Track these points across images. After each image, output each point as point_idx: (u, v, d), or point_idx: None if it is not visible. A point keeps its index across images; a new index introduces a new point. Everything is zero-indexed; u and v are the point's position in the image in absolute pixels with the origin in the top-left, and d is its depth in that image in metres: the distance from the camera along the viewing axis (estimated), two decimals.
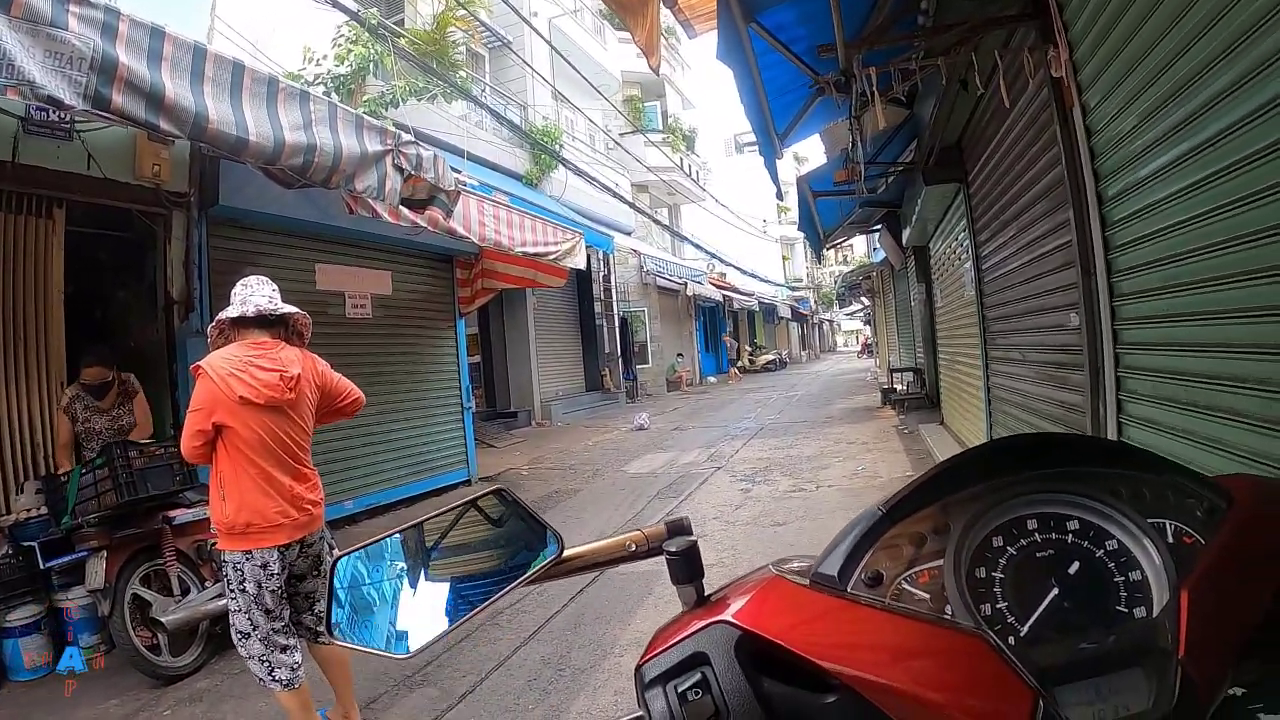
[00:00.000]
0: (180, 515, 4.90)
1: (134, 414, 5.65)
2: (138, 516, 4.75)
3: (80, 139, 5.68)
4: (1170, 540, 0.66)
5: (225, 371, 3.41)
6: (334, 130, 5.04)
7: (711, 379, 30.91)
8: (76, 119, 5.41)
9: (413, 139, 5.89)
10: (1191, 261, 2.99)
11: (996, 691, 0.57)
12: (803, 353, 54.64)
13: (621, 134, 24.59)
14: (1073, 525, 0.68)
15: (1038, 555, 0.66)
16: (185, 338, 6.51)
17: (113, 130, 5.70)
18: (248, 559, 3.46)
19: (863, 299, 34.32)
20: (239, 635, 3.55)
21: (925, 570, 0.66)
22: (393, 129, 5.74)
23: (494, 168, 15.35)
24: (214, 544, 4.92)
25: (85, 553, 4.56)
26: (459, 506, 0.90)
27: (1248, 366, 2.61)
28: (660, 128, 29.64)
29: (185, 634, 4.75)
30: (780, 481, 9.48)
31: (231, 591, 3.52)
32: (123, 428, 5.52)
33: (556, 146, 17.34)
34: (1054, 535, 0.68)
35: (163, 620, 4.59)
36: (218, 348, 3.59)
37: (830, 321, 71.62)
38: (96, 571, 4.47)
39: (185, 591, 4.86)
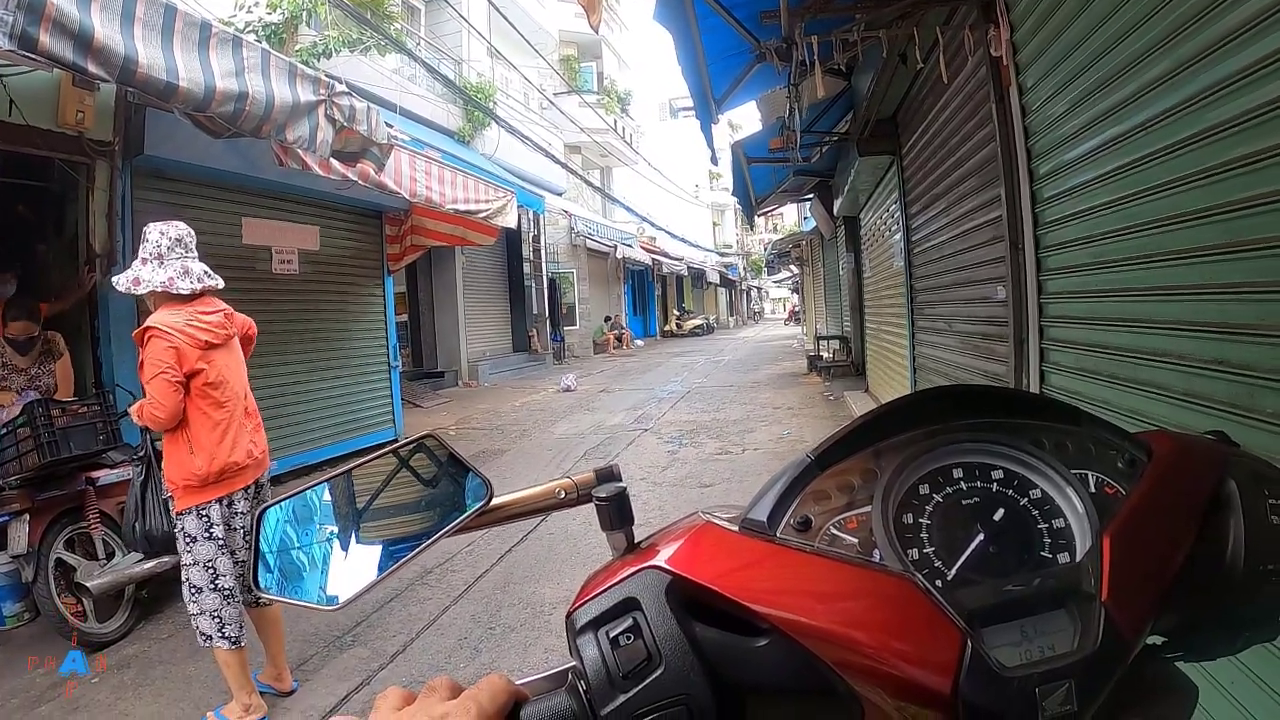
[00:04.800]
0: (104, 476, 4.72)
1: (54, 375, 5.45)
2: (61, 478, 4.57)
3: (2, 84, 5.39)
4: (1093, 490, 0.67)
5: (179, 324, 3.47)
6: (266, 78, 4.88)
7: (639, 342, 30.95)
8: None
9: (346, 90, 5.73)
10: (1116, 240, 3.10)
11: (925, 632, 0.58)
12: (730, 318, 55.06)
13: (556, 94, 24.31)
14: (997, 474, 0.69)
15: (963, 502, 0.67)
16: (108, 292, 6.27)
17: (36, 75, 5.46)
18: (218, 503, 3.54)
19: (791, 267, 34.64)
20: (193, 591, 3.54)
21: (854, 516, 0.66)
22: (326, 79, 5.58)
23: (426, 123, 15.04)
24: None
25: (7, 517, 4.33)
26: (388, 453, 0.86)
27: (1168, 342, 2.72)
28: (595, 89, 29.35)
29: (111, 599, 4.60)
30: (707, 444, 9.62)
31: (189, 544, 3.52)
32: (40, 388, 5.32)
33: (490, 104, 17.04)
34: (979, 484, 0.68)
35: (88, 585, 4.42)
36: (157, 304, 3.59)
37: (759, 288, 72.19)
38: (19, 536, 4.28)
39: (110, 555, 4.70)
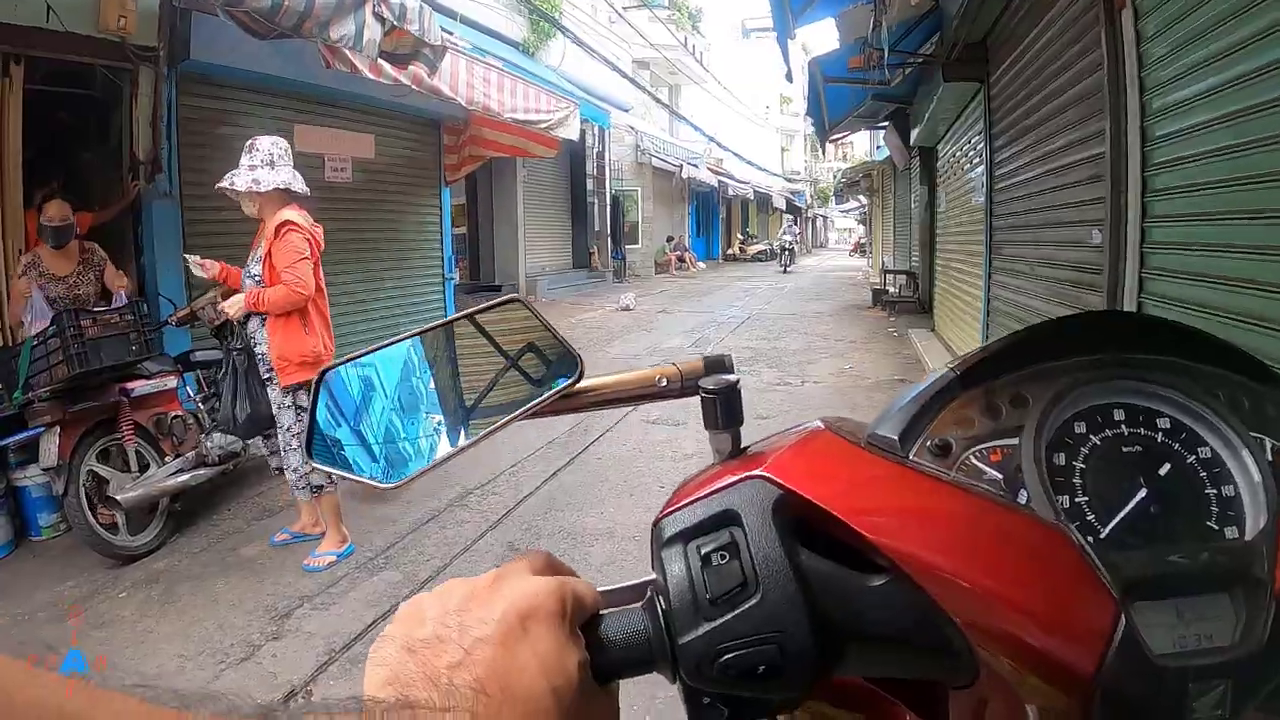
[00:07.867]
0: (139, 387, 4.68)
1: (95, 283, 5.45)
2: (93, 389, 4.50)
3: None
4: (1269, 458, 0.56)
5: (307, 224, 4.16)
6: None
7: (701, 264, 30.75)
8: None
9: None
10: (1237, 191, 2.82)
11: (1076, 596, 0.50)
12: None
13: (625, 7, 23.75)
14: (1164, 423, 0.59)
15: (1124, 450, 0.58)
16: (152, 200, 6.21)
17: None
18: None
19: (860, 197, 34.03)
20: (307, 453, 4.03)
21: (998, 447, 0.57)
22: None
23: (490, 33, 14.66)
24: (176, 415, 4.78)
25: (39, 429, 4.28)
26: (465, 315, 0.75)
27: None
28: (666, 4, 28.72)
29: (144, 512, 4.59)
30: (765, 373, 9.49)
31: (302, 414, 4.10)
32: (79, 297, 5.30)
33: (557, 14, 16.60)
34: (1143, 431, 0.59)
35: (119, 498, 4.39)
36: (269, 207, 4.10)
37: (824, 217, 71.19)
38: (49, 449, 4.23)
39: (144, 468, 4.68)
